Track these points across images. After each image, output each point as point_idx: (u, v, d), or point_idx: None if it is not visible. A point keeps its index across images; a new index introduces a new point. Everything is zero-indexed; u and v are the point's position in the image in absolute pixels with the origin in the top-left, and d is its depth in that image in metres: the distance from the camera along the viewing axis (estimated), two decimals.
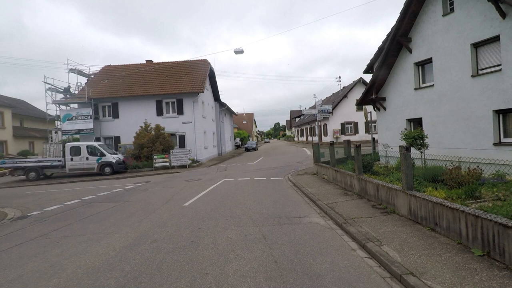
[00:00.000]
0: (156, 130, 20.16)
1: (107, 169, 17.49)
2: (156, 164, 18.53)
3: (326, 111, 14.69)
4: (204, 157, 22.65)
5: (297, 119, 63.85)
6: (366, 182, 7.42)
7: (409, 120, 12.07)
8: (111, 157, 17.64)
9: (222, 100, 30.32)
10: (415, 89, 11.50)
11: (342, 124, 34.56)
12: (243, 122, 79.53)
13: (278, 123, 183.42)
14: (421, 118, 11.20)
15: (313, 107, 32.14)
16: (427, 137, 8.04)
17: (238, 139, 47.94)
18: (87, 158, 17.28)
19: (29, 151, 27.55)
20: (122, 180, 15.53)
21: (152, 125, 20.31)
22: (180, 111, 21.81)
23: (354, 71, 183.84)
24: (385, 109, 13.33)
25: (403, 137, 8.05)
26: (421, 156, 7.86)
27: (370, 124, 15.93)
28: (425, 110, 10.96)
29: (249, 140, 53.24)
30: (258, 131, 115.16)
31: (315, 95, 74.55)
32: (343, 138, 34.92)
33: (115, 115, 22.02)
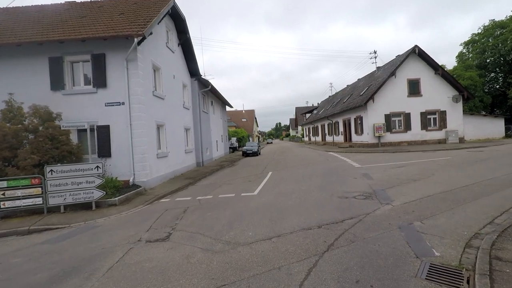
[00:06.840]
0: (35, 116, 8.86)
1: None
2: (6, 204, 7.14)
3: None
4: (158, 175, 11.24)
5: (308, 115, 52.42)
6: None
7: None
8: None
9: (204, 77, 18.86)
10: None
11: (387, 116, 23.08)
12: (242, 120, 68.42)
13: (280, 123, 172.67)
14: None
15: None
16: None
17: (234, 139, 36.35)
18: None
19: None
20: None
21: (25, 107, 8.97)
22: (100, 81, 10.37)
23: (359, 69, 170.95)
24: None
25: None
26: None
27: None
28: None
29: (248, 140, 41.60)
30: (259, 131, 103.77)
31: (331, 83, 63.29)
32: (389, 136, 23.50)
33: None
